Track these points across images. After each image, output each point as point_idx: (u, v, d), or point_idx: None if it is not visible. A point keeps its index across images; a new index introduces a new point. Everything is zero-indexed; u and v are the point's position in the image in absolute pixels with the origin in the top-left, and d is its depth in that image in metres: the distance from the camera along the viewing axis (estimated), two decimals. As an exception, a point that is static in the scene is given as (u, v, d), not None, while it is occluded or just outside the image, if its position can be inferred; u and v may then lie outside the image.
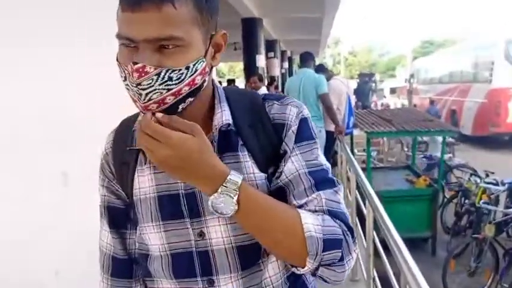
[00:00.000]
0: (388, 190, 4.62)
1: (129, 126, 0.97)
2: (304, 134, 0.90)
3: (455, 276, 3.83)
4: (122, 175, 0.94)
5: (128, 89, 0.78)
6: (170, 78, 0.77)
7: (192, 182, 0.81)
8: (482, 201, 4.32)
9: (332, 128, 5.66)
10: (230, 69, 56.66)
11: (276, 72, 15.09)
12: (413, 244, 4.70)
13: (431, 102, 13.69)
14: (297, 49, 22.87)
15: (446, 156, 6.59)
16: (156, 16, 0.74)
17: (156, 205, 0.90)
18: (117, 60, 0.80)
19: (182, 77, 0.78)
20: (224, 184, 0.77)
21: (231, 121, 0.90)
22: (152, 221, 0.91)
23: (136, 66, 0.74)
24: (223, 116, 0.89)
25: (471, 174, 5.75)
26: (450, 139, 8.07)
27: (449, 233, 5.03)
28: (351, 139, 6.72)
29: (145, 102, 0.77)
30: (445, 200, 5.57)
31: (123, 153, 0.94)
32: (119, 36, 0.78)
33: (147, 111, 0.77)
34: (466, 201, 4.92)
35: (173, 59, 0.77)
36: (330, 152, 5.95)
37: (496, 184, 4.77)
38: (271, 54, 14.81)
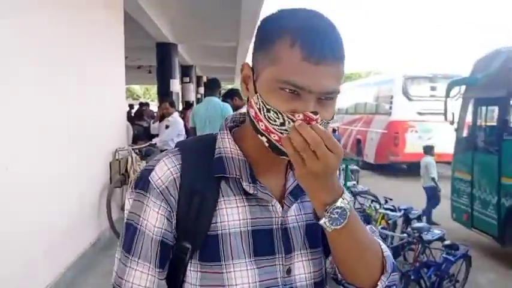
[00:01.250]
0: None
1: (205, 151, 0.89)
2: None
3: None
4: (191, 206, 0.84)
5: (283, 132, 0.79)
6: None
7: (320, 194, 0.80)
8: (380, 226, 4.58)
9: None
10: (145, 92, 55.48)
11: (191, 97, 15.07)
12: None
13: (334, 130, 14.47)
14: (213, 75, 23.08)
15: (350, 183, 6.94)
16: (334, 71, 0.79)
17: (250, 240, 0.87)
18: (263, 103, 0.80)
19: (327, 127, 0.83)
20: (343, 197, 0.80)
21: None
22: (245, 257, 0.86)
23: (317, 116, 0.77)
24: None
25: (372, 201, 6.10)
26: (354, 167, 8.55)
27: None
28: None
29: None
30: (350, 225, 5.83)
31: (197, 181, 0.85)
32: (288, 82, 0.78)
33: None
34: (368, 226, 5.19)
35: (327, 110, 0.82)
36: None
37: (394, 210, 5.10)
38: (187, 79, 14.81)
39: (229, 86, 28.04)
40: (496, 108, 5.62)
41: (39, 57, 3.53)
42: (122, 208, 5.56)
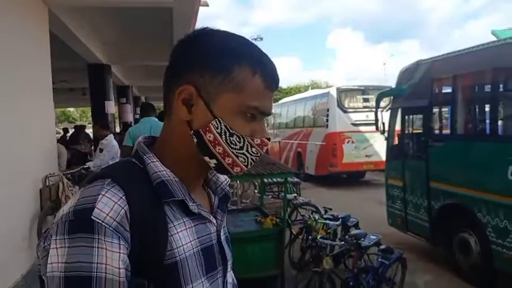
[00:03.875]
0: (237, 232, 4.72)
1: (138, 178, 0.83)
2: None
3: (301, 310, 4.01)
4: (144, 236, 0.77)
5: (240, 155, 0.87)
6: None
7: None
8: (319, 236, 4.67)
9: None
10: (82, 114, 53.57)
11: (129, 117, 14.71)
12: (263, 283, 4.85)
13: None
14: (151, 95, 22.71)
15: (291, 196, 7.03)
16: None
17: (201, 259, 0.88)
18: (226, 128, 0.85)
19: None
20: None
21: None
22: (201, 277, 0.87)
23: (269, 142, 0.91)
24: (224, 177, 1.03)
25: (312, 212, 6.21)
26: (295, 179, 8.68)
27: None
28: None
29: (247, 167, 0.90)
30: (293, 237, 5.90)
31: (144, 210, 0.79)
32: (254, 108, 0.86)
33: (235, 174, 0.89)
34: (310, 236, 5.26)
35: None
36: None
37: (332, 219, 5.22)
38: (123, 100, 14.46)
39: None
40: (421, 117, 5.95)
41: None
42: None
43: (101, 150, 6.36)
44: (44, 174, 5.17)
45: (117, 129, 13.88)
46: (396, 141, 6.68)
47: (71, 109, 49.97)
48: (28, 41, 5.07)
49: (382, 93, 7.07)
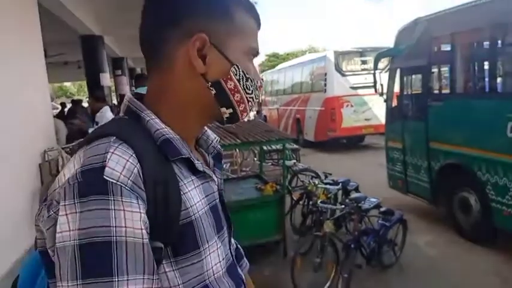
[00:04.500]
0: (238, 200, 4.73)
1: (141, 136, 0.77)
2: None
3: (303, 273, 4.06)
4: (158, 197, 0.72)
5: (249, 100, 0.87)
6: None
7: None
8: (320, 200, 4.68)
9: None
10: (80, 89, 53.21)
11: (126, 89, 14.59)
12: (266, 248, 4.91)
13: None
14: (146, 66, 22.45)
15: (291, 162, 7.03)
16: None
17: (211, 218, 0.84)
18: (243, 73, 0.84)
19: None
20: None
21: None
22: (214, 237, 0.83)
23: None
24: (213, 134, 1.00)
25: (312, 177, 6.22)
26: (294, 146, 8.66)
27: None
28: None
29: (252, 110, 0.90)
30: (293, 203, 5.93)
31: (155, 169, 0.73)
32: (256, 50, 0.88)
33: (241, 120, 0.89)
34: (310, 202, 5.29)
35: None
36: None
37: (332, 184, 5.22)
38: (119, 72, 14.31)
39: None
40: (420, 77, 5.87)
41: None
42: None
43: (97, 124, 6.31)
44: (42, 149, 5.14)
45: (115, 102, 13.78)
46: (395, 103, 6.61)
47: (68, 84, 49.58)
48: (15, 10, 4.95)
49: (380, 53, 6.94)
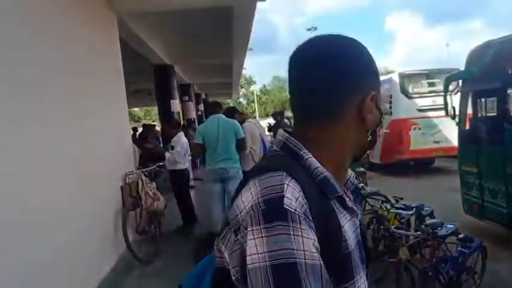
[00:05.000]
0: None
1: (302, 173, 0.85)
2: None
3: (379, 300, 4.01)
4: (323, 228, 0.80)
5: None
6: None
7: None
8: (393, 226, 4.61)
9: (248, 168, 5.91)
10: (146, 114, 55.74)
11: (192, 114, 15.17)
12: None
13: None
14: (211, 91, 23.24)
15: (359, 186, 6.95)
16: None
17: (358, 252, 0.89)
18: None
19: None
20: None
21: None
22: (360, 272, 0.88)
23: None
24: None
25: (382, 201, 6.12)
26: (361, 169, 8.58)
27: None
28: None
29: None
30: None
31: (319, 203, 0.82)
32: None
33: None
34: (381, 227, 5.22)
35: None
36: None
37: (405, 209, 5.13)
38: (186, 97, 14.91)
39: (228, 100, 28.21)
40: (494, 99, 5.68)
41: (42, 86, 3.61)
42: (137, 230, 5.63)
43: (172, 148, 6.65)
44: (124, 172, 5.51)
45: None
46: (468, 126, 6.41)
47: (136, 108, 52.18)
48: (103, 50, 5.42)
49: (450, 76, 6.79)
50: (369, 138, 0.96)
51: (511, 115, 5.54)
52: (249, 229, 0.76)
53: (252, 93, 65.65)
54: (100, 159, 4.88)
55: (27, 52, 3.40)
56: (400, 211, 5.04)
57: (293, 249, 0.73)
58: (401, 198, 5.84)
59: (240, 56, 11.45)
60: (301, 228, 0.75)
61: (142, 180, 5.57)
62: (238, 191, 0.86)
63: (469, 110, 6.35)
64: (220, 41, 9.49)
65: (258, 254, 0.73)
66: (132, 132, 16.19)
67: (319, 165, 0.88)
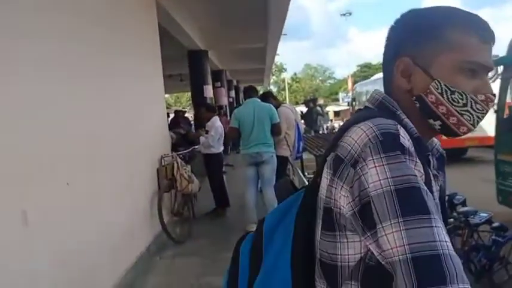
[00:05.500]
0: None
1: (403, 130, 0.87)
2: None
3: None
4: (425, 176, 0.84)
5: (464, 113, 0.92)
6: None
7: None
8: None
9: (283, 153, 5.96)
10: (176, 100, 56.43)
11: (224, 101, 15.29)
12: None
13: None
14: (242, 78, 23.31)
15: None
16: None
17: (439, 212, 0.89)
18: (447, 87, 0.91)
19: None
20: None
21: None
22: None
23: (495, 98, 0.93)
24: None
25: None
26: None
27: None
28: (301, 163, 6.95)
29: (474, 127, 0.95)
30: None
31: (420, 155, 0.85)
32: (474, 62, 0.91)
33: (462, 134, 0.95)
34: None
35: None
36: (282, 176, 6.19)
37: (438, 196, 5.08)
38: (218, 83, 15.04)
39: (259, 87, 28.22)
40: (535, 87, 5.52)
41: (86, 73, 3.76)
42: (172, 212, 5.80)
43: (207, 132, 6.78)
44: (160, 154, 5.67)
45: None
46: (507, 114, 6.26)
47: (166, 95, 52.82)
48: (142, 35, 5.55)
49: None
50: (417, 105, 0.95)
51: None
52: (368, 159, 0.79)
53: (283, 80, 65.36)
54: (142, 141, 5.05)
55: (85, 40, 3.59)
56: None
57: (413, 175, 0.77)
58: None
59: (275, 40, 11.43)
60: (416, 162, 0.80)
61: (177, 163, 5.70)
62: (336, 140, 0.90)
63: (509, 99, 6.20)
64: (255, 25, 9.50)
65: (380, 180, 0.77)
66: (166, 118, 16.54)
67: (413, 126, 0.92)
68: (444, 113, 0.93)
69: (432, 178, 0.91)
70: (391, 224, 0.74)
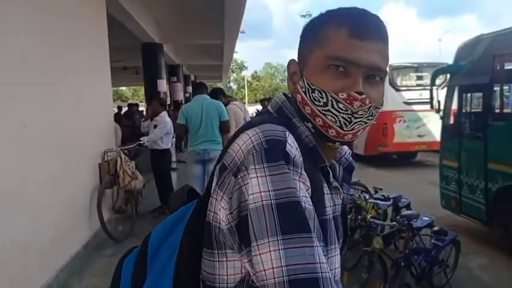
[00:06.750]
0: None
1: (296, 140, 0.80)
2: None
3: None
4: (313, 189, 0.77)
5: (327, 113, 0.82)
6: (372, 114, 0.84)
7: None
8: (370, 216, 4.63)
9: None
10: (134, 93, 55.24)
11: (180, 96, 15.05)
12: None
13: None
14: (200, 74, 23.04)
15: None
16: (380, 49, 0.82)
17: (333, 227, 0.85)
18: (308, 84, 0.84)
19: (376, 114, 0.86)
20: None
21: None
22: (334, 243, 0.84)
23: (362, 96, 0.80)
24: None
25: (362, 191, 6.14)
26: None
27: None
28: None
29: (347, 130, 0.83)
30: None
31: (309, 167, 0.78)
32: (337, 58, 0.81)
33: (340, 139, 0.84)
34: (359, 216, 5.23)
35: (375, 91, 0.84)
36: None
37: (383, 200, 5.14)
38: (174, 78, 14.77)
39: (218, 84, 28.04)
40: (480, 95, 5.68)
41: (21, 58, 3.51)
42: (113, 209, 5.56)
43: (155, 127, 6.56)
44: (103, 149, 5.42)
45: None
46: (452, 121, 6.42)
47: (123, 88, 51.69)
48: (87, 22, 5.28)
49: (439, 69, 6.78)
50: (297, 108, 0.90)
51: (496, 111, 5.55)
52: (250, 168, 0.72)
53: (243, 78, 65.42)
54: (81, 133, 4.79)
55: (21, 26, 3.32)
56: (377, 201, 5.05)
57: (296, 189, 0.70)
58: (381, 189, 5.87)
59: (232, 37, 11.31)
60: (300, 173, 0.73)
61: (121, 158, 5.48)
62: (229, 144, 0.81)
63: (454, 105, 6.37)
64: (212, 21, 9.37)
65: (260, 192, 0.69)
66: (117, 111, 16.09)
67: (310, 134, 0.86)
68: (309, 113, 0.85)
69: (326, 191, 0.84)
70: (268, 242, 0.66)
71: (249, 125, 0.81)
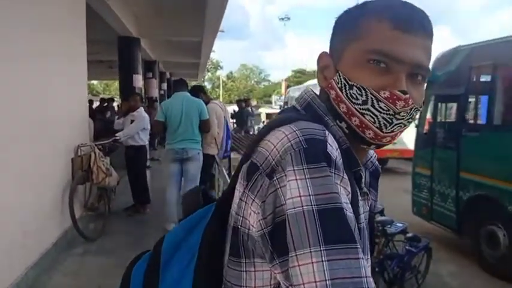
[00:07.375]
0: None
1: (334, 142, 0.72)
2: None
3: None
4: (351, 194, 0.69)
5: (365, 112, 0.75)
6: (412, 116, 0.77)
7: None
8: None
9: (210, 151, 5.78)
10: (105, 88, 54.20)
11: (155, 93, 14.85)
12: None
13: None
14: (176, 71, 22.82)
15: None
16: (424, 44, 0.75)
17: (366, 235, 0.78)
18: (345, 80, 0.76)
19: (415, 117, 0.80)
20: None
21: None
22: (367, 253, 0.77)
23: (406, 96, 0.73)
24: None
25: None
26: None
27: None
28: (229, 162, 6.82)
29: (386, 132, 0.76)
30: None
31: (346, 171, 0.70)
32: (378, 52, 0.74)
33: (377, 142, 0.77)
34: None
35: (418, 92, 0.77)
36: (208, 175, 6.02)
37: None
38: (150, 74, 14.56)
39: (193, 82, 27.85)
40: (454, 105, 5.81)
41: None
42: (85, 206, 5.41)
43: (132, 122, 6.42)
44: (76, 143, 5.27)
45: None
46: (427, 130, 6.55)
47: (95, 82, 50.61)
48: (64, 15, 5.12)
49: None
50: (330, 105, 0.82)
51: (470, 122, 5.69)
52: (288, 169, 0.65)
53: (218, 78, 65.21)
54: (53, 127, 4.63)
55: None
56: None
57: (339, 195, 0.63)
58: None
59: (211, 35, 11.22)
60: (342, 177, 0.66)
61: (95, 154, 5.33)
62: (254, 144, 0.74)
63: (429, 115, 6.50)
64: (192, 18, 9.26)
65: (300, 196, 0.62)
66: (88, 105, 15.74)
67: (343, 135, 0.79)
68: (345, 112, 0.77)
69: (360, 198, 0.77)
70: (310, 252, 0.59)
71: (279, 122, 0.73)
